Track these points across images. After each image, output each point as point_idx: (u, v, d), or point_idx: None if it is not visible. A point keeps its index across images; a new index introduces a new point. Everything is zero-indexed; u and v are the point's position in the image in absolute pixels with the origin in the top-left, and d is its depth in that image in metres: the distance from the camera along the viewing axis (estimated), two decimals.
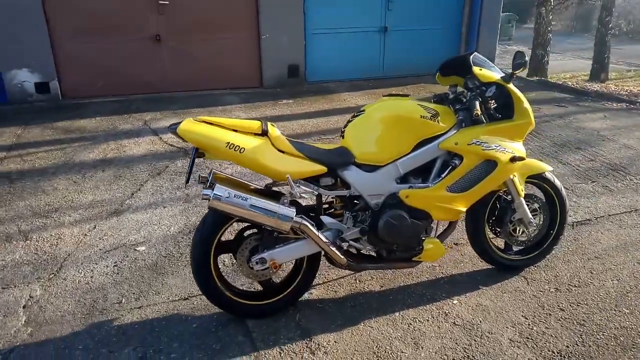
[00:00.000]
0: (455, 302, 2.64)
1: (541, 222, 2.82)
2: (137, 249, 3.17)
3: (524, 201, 2.71)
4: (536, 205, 2.80)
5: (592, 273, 2.87)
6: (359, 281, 2.81)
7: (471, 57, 2.53)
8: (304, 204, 2.49)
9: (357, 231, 2.45)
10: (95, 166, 4.46)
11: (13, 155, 4.70)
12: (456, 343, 2.33)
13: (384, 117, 2.43)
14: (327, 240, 2.37)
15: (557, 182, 2.82)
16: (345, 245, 2.49)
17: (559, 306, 2.58)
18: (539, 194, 2.87)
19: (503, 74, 2.53)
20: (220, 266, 2.55)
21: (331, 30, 7.37)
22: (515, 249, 2.90)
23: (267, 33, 6.96)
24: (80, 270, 2.94)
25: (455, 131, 2.47)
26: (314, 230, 2.33)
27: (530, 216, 2.73)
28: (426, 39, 7.82)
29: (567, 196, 2.99)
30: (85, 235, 3.33)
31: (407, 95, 2.55)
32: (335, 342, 2.34)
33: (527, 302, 2.62)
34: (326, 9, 7.23)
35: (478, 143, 2.44)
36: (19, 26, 5.98)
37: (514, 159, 2.50)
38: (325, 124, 5.72)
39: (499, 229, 2.79)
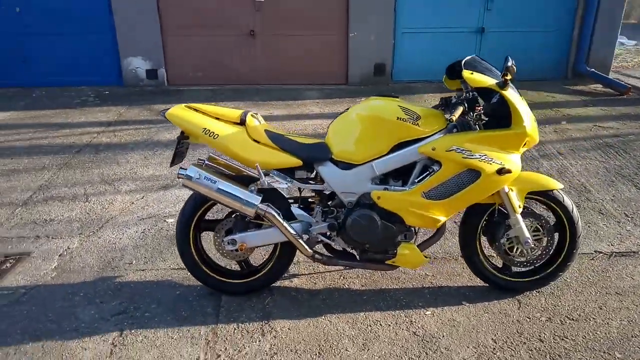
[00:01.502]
0: (428, 313, 2.55)
1: (544, 245, 2.58)
2: (167, 220, 3.54)
3: (520, 218, 2.51)
4: (538, 225, 2.56)
5: (601, 309, 2.55)
6: (343, 277, 2.84)
7: (465, 59, 2.41)
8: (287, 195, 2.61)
9: (325, 226, 2.50)
10: (167, 145, 4.99)
11: (109, 130, 5.45)
12: (405, 352, 2.28)
13: (363, 117, 2.43)
14: (292, 230, 2.45)
15: (568, 202, 2.55)
16: (315, 239, 2.55)
17: (539, 336, 2.36)
18: (552, 214, 2.62)
19: (500, 80, 2.37)
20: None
21: (423, 30, 7.21)
22: (515, 269, 2.69)
23: (355, 31, 7.05)
24: (114, 232, 3.39)
25: (441, 136, 2.39)
26: (279, 219, 2.43)
27: (528, 235, 2.51)
28: (529, 42, 7.24)
29: (581, 218, 2.67)
30: (132, 203, 3.80)
31: (396, 96, 2.51)
32: (289, 329, 2.43)
33: (505, 326, 2.43)
34: (419, 8, 7.09)
35: (459, 150, 2.33)
36: (137, 20, 6.86)
37: (501, 171, 2.34)
38: None
39: (493, 245, 2.62)
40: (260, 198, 2.40)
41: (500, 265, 2.70)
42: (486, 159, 2.33)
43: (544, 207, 2.62)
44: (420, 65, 7.31)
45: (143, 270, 2.95)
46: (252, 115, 2.49)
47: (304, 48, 7.20)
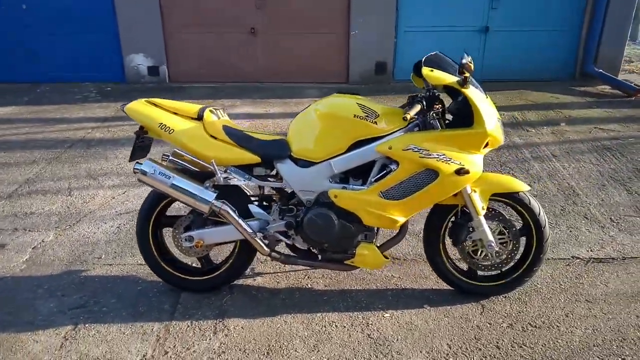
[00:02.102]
0: (387, 315, 2.49)
1: (509, 249, 2.50)
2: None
3: (484, 220, 2.43)
4: (503, 228, 2.48)
5: (567, 316, 2.45)
6: (308, 277, 2.80)
7: (426, 56, 2.34)
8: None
9: (283, 224, 2.46)
10: (158, 142, 5.00)
11: (103, 126, 5.50)
12: (355, 355, 2.23)
13: (321, 115, 2.39)
14: (248, 228, 2.42)
15: (534, 205, 2.46)
16: (274, 238, 2.52)
17: (497, 343, 2.28)
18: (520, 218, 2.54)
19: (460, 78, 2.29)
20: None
21: (425, 28, 7.10)
22: (481, 273, 2.61)
23: (357, 29, 6.99)
24: (90, 226, 3.41)
25: (400, 135, 2.33)
26: (235, 216, 2.40)
27: (491, 238, 2.44)
28: (535, 42, 7.06)
29: (548, 221, 2.58)
30: (113, 198, 3.83)
31: (356, 93, 2.45)
32: (242, 328, 2.40)
33: (464, 332, 2.36)
34: (422, 6, 6.98)
35: (416, 150, 2.26)
36: (139, 17, 6.91)
37: (460, 172, 2.27)
38: None
39: (457, 248, 2.54)
40: (215, 194, 2.38)
41: (466, 269, 2.63)
42: (444, 159, 2.27)
43: (513, 210, 2.53)
44: None
45: (110, 265, 2.96)
46: (210, 111, 2.47)
47: (305, 46, 7.17)
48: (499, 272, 2.59)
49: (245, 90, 6.96)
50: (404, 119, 2.17)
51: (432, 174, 2.29)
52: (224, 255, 2.76)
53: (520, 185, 2.45)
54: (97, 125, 5.54)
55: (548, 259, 2.94)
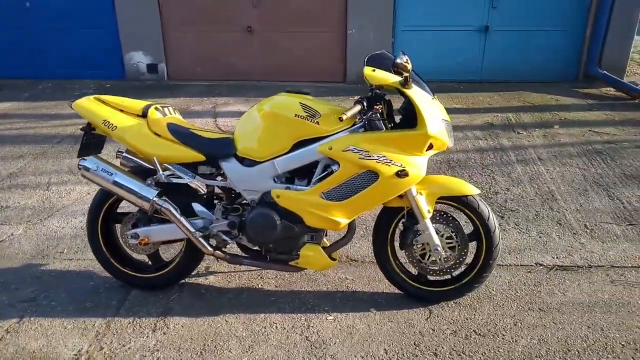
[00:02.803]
0: (330, 317, 2.45)
1: (457, 253, 2.43)
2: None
3: (430, 224, 2.37)
4: (450, 232, 2.42)
5: (515, 325, 2.38)
6: (260, 277, 2.78)
7: (370, 55, 2.30)
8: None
9: (226, 224, 2.44)
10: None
11: None
12: (289, 357, 2.20)
13: (265, 114, 2.36)
14: (190, 227, 2.42)
15: (484, 210, 2.39)
16: (219, 237, 2.50)
17: (435, 350, 2.22)
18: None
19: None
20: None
21: (424, 27, 6.99)
22: (431, 278, 2.55)
23: (354, 28, 6.93)
24: (60, 221, 3.46)
25: (343, 135, 2.28)
26: (176, 214, 2.40)
27: (437, 242, 2.38)
28: (537, 42, 6.89)
29: (498, 227, 2.50)
30: (89, 194, 3.86)
31: (307, 93, 2.42)
32: (182, 326, 2.40)
33: (405, 337, 2.31)
34: (421, 5, 6.87)
35: (356, 151, 2.22)
36: (138, 15, 6.99)
37: (400, 174, 2.21)
38: None
39: (404, 251, 2.49)
40: (156, 192, 2.38)
41: (415, 273, 2.57)
42: (385, 161, 2.22)
43: (463, 214, 2.46)
44: (420, 65, 7.05)
45: (70, 259, 2.99)
46: (155, 108, 2.47)
47: (302, 45, 7.14)
48: (450, 277, 2.53)
49: (241, 88, 6.97)
50: (340, 119, 2.12)
51: (372, 176, 2.24)
52: (174, 253, 2.76)
53: (468, 189, 2.38)
54: None
55: (510, 265, 2.87)
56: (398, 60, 2.07)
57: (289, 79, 7.26)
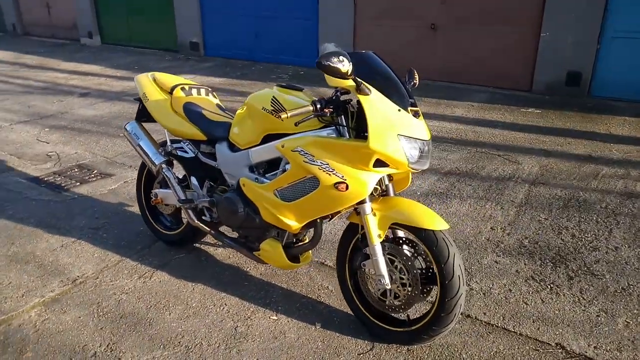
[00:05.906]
0: (273, 317, 2.42)
1: (408, 292, 2.08)
2: None
3: (379, 250, 2.09)
4: (401, 265, 2.07)
5: None
6: (254, 263, 2.87)
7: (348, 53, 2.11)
8: None
9: (207, 201, 2.62)
10: None
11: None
12: (208, 335, 2.28)
13: (246, 103, 2.43)
14: (181, 195, 2.68)
15: (443, 250, 1.97)
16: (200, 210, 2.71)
17: None
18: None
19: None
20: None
21: None
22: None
23: (548, 30, 5.97)
24: None
25: (305, 136, 2.19)
26: (173, 182, 2.70)
27: (383, 272, 2.08)
28: None
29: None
30: None
31: (300, 89, 2.37)
32: (160, 282, 2.71)
33: None
34: None
35: (302, 153, 2.11)
36: (336, 10, 7.50)
37: (337, 186, 2.01)
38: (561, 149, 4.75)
39: (356, 272, 2.25)
40: (163, 159, 2.72)
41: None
42: (327, 169, 2.05)
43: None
44: (630, 81, 5.72)
45: None
46: (182, 88, 2.77)
47: (486, 46, 6.55)
48: (407, 318, 2.17)
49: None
50: (278, 117, 2.05)
51: (315, 182, 2.10)
52: None
53: (429, 221, 1.99)
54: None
55: (519, 334, 2.27)
56: (325, 62, 1.88)
57: (464, 80, 6.81)
